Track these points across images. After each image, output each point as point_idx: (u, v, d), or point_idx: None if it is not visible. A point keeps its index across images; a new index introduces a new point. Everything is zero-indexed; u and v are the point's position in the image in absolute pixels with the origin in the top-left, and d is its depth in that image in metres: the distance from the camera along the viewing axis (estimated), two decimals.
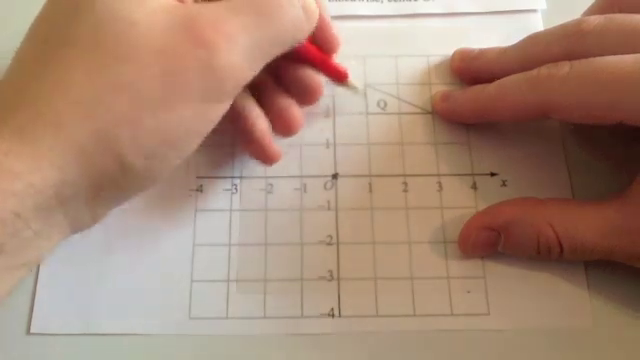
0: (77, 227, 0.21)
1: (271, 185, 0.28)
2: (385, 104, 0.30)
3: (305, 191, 0.28)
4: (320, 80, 0.26)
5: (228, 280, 0.26)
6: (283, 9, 0.22)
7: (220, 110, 0.21)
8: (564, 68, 0.24)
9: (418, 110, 0.29)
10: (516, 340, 0.25)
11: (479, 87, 0.27)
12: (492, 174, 0.28)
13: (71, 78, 0.19)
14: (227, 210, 0.28)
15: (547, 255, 0.25)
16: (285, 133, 0.26)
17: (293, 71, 0.25)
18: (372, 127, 0.29)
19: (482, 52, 0.29)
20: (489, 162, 0.28)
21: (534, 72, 0.25)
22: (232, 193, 0.28)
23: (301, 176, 0.28)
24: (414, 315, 0.26)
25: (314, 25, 0.24)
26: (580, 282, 0.26)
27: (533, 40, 0.27)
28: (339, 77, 0.27)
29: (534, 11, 0.32)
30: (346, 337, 0.26)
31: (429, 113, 0.29)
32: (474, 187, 0.28)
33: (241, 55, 0.20)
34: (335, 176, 0.28)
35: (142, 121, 0.19)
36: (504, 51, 0.28)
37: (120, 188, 0.21)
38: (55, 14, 0.21)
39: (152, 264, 0.26)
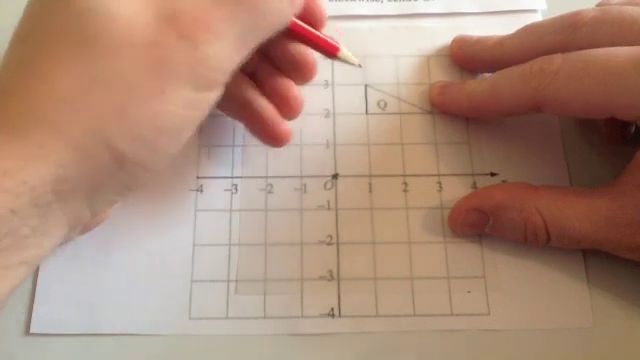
0: (76, 223, 0.21)
1: (271, 185, 0.28)
2: (385, 104, 0.30)
3: (305, 191, 0.28)
4: (312, 55, 0.26)
5: (228, 280, 0.26)
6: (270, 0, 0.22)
7: (211, 98, 0.21)
8: (556, 62, 0.24)
9: (418, 110, 0.29)
10: (516, 340, 0.25)
11: (475, 82, 0.28)
12: (492, 174, 0.28)
13: (56, 73, 0.19)
14: (227, 210, 0.28)
15: (534, 241, 0.25)
16: (288, 115, 0.26)
17: (284, 49, 0.25)
18: (372, 127, 0.29)
19: (480, 40, 0.29)
20: (489, 162, 0.28)
21: (527, 66, 0.25)
22: (232, 193, 0.28)
23: (301, 176, 0.28)
24: (414, 315, 0.26)
25: (299, 8, 0.23)
26: (580, 282, 0.26)
27: (530, 30, 0.27)
28: (331, 51, 0.26)
29: (534, 11, 0.32)
30: (346, 337, 0.25)
31: (429, 113, 0.29)
32: (474, 187, 0.28)
33: (226, 44, 0.20)
34: (335, 176, 0.28)
35: (133, 112, 0.19)
36: (501, 40, 0.28)
37: (118, 180, 0.21)
38: (37, 9, 0.21)
39: (152, 264, 0.26)
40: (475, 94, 0.27)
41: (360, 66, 0.27)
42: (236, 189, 0.28)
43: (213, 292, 0.26)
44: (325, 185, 0.28)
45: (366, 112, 0.30)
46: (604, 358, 0.25)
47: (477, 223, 0.26)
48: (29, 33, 0.20)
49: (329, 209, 0.28)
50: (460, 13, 0.32)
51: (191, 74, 0.20)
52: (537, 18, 0.32)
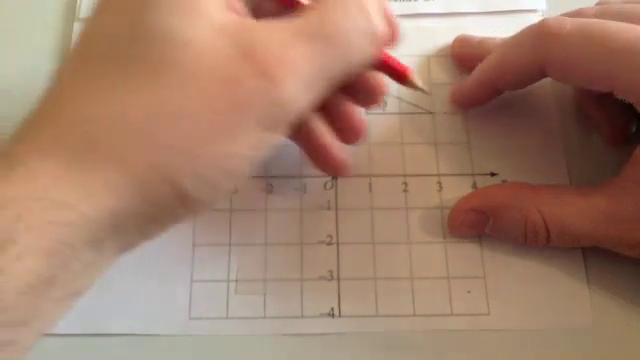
0: (125, 252, 0.20)
1: (271, 185, 0.28)
2: (385, 104, 0.30)
3: (305, 191, 0.28)
4: (382, 79, 0.24)
5: (228, 280, 0.26)
6: (350, 39, 0.20)
7: (279, 137, 0.20)
8: (565, 24, 0.23)
9: (418, 110, 0.29)
10: (516, 340, 0.25)
11: (485, 59, 0.27)
12: (492, 174, 0.28)
13: (122, 102, 0.18)
14: (227, 210, 0.28)
15: (534, 241, 0.25)
16: (353, 139, 0.25)
17: (358, 75, 0.23)
18: (372, 127, 0.29)
19: (482, 41, 0.29)
20: (489, 162, 0.28)
21: (534, 26, 0.24)
22: (232, 193, 0.28)
23: (301, 176, 0.28)
24: (414, 315, 0.26)
25: (381, 46, 0.22)
26: (580, 282, 0.26)
27: None
28: (401, 75, 0.25)
29: (534, 11, 0.32)
30: (346, 337, 0.26)
31: (429, 113, 0.29)
32: (474, 187, 0.28)
33: (303, 86, 0.19)
34: (335, 176, 0.28)
35: (202, 151, 0.19)
36: (503, 42, 0.28)
37: (175, 214, 0.20)
38: (104, 30, 0.20)
39: (152, 264, 0.26)
40: (485, 69, 0.27)
41: (428, 93, 0.27)
42: (236, 189, 0.28)
43: (213, 292, 0.26)
44: (325, 185, 0.28)
45: (366, 112, 0.29)
46: (604, 358, 0.25)
47: (477, 223, 0.26)
48: (95, 53, 0.19)
49: (329, 209, 0.28)
50: (460, 13, 0.32)
51: (263, 113, 0.19)
52: (537, 18, 0.32)
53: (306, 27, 0.20)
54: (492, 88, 0.28)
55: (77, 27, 0.31)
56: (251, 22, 0.20)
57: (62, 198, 0.17)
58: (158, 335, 0.25)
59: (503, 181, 0.28)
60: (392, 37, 0.23)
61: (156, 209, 0.19)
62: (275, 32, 0.19)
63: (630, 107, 0.24)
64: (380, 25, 0.21)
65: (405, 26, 0.31)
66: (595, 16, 0.25)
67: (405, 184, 0.28)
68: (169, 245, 0.27)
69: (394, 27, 0.23)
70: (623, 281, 0.26)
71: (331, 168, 0.25)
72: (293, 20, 0.20)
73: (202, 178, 0.19)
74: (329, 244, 0.27)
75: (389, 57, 0.24)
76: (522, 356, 0.25)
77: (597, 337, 0.25)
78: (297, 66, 0.19)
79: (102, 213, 0.18)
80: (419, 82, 0.25)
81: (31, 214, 0.17)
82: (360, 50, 0.21)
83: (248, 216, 0.27)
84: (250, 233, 0.27)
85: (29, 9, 0.32)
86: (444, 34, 0.31)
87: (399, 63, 0.25)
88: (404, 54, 0.31)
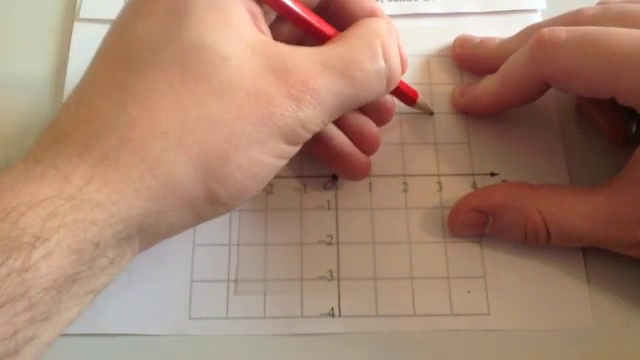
0: (144, 250, 0.21)
1: (271, 185, 0.28)
2: None
3: (305, 191, 0.28)
4: (392, 100, 0.26)
5: (228, 280, 0.26)
6: (369, 80, 0.22)
7: (296, 150, 0.22)
8: (560, 35, 0.23)
9: (418, 110, 0.29)
10: (516, 340, 0.25)
11: (488, 76, 0.27)
12: (492, 174, 0.28)
13: (159, 106, 0.19)
14: None
15: (534, 241, 0.25)
16: (367, 152, 0.27)
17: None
18: None
19: (482, 42, 0.29)
20: (489, 162, 0.28)
21: (530, 41, 0.24)
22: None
23: (301, 176, 0.28)
24: (414, 315, 0.26)
25: (392, 89, 0.24)
26: (580, 282, 0.26)
27: (532, 31, 0.27)
28: (410, 97, 0.27)
29: (534, 11, 0.32)
30: (346, 337, 0.26)
31: (429, 113, 0.29)
32: (474, 187, 0.28)
33: (323, 110, 0.21)
34: (335, 176, 0.28)
35: (233, 158, 0.20)
36: (503, 42, 0.28)
37: (200, 216, 0.21)
38: (137, 35, 0.20)
39: (152, 264, 0.26)
40: (488, 87, 0.27)
41: (432, 114, 0.29)
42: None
43: (213, 292, 0.26)
44: (325, 185, 0.28)
45: None
46: (604, 358, 0.25)
47: (476, 223, 0.26)
48: (129, 58, 0.20)
49: (329, 209, 0.28)
50: (460, 13, 0.32)
51: (288, 130, 0.20)
52: (537, 18, 0.32)
53: (332, 62, 0.21)
54: (499, 106, 0.28)
55: (77, 27, 0.31)
56: (280, 45, 0.21)
57: (94, 198, 0.18)
58: (158, 335, 0.25)
59: (503, 181, 0.28)
60: (403, 70, 0.25)
61: (185, 211, 0.20)
62: (304, 59, 0.21)
63: (630, 108, 0.24)
64: (398, 67, 0.23)
65: (405, 26, 0.32)
66: (595, 16, 0.25)
67: (405, 184, 0.28)
68: (169, 245, 0.27)
69: (404, 62, 0.24)
70: (623, 281, 0.26)
71: (358, 170, 0.27)
72: (320, 51, 0.22)
73: (232, 182, 0.20)
74: (329, 244, 0.27)
75: (401, 82, 0.26)
76: (522, 356, 0.25)
77: (597, 337, 0.25)
78: (321, 96, 0.21)
79: (132, 213, 0.18)
80: (426, 103, 0.28)
81: (61, 213, 0.17)
82: (378, 90, 0.23)
83: (248, 216, 0.27)
84: (250, 233, 0.27)
85: (29, 9, 0.32)
86: (444, 34, 0.31)
87: (409, 88, 0.27)
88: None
